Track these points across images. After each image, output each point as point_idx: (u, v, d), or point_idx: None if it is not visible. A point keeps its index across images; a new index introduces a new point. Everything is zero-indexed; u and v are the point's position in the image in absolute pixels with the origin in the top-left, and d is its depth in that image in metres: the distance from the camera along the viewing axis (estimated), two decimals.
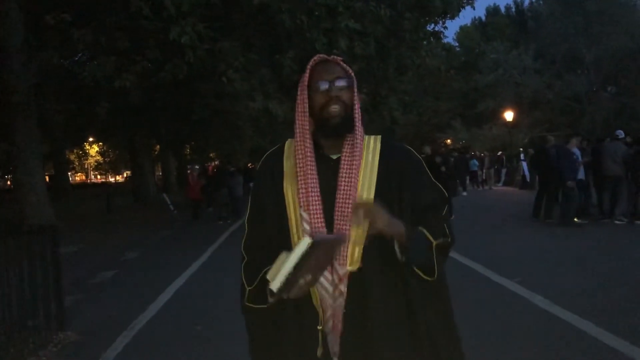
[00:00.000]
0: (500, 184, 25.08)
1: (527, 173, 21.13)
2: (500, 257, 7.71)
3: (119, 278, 7.95)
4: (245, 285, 1.73)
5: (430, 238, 1.61)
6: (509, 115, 27.65)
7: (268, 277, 1.47)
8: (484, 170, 24.89)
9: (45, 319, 4.95)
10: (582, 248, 8.32)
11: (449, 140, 39.81)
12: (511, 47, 34.61)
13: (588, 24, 31.60)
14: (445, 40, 22.89)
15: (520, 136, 30.97)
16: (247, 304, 1.73)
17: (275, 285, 1.44)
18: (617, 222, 10.36)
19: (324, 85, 1.63)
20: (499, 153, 27.35)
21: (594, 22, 31.41)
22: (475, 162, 24.92)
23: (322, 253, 1.48)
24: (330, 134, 1.67)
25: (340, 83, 1.64)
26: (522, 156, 23.40)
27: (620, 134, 11.12)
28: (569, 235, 9.51)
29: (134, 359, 4.40)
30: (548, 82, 32.07)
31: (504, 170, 25.44)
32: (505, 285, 6.08)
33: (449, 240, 1.67)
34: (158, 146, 29.45)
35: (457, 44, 45.21)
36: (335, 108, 1.62)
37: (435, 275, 1.64)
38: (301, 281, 1.44)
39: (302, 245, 1.45)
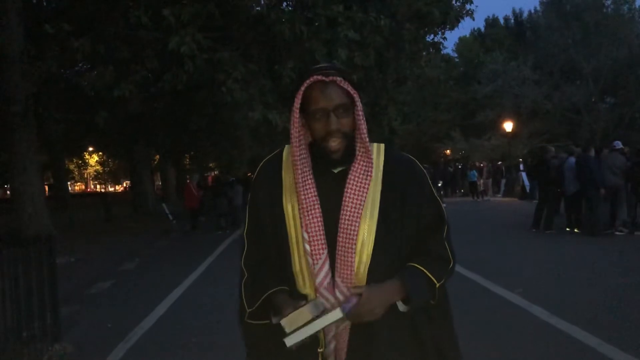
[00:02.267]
0: (499, 195, 25.07)
1: (526, 183, 21.13)
2: (500, 268, 7.67)
3: (116, 289, 7.89)
4: (246, 306, 1.65)
5: (433, 279, 1.56)
6: (508, 126, 27.68)
7: (283, 323, 1.45)
8: (483, 181, 24.90)
9: (40, 329, 4.89)
10: (582, 259, 8.29)
11: (448, 151, 39.84)
12: (510, 58, 34.74)
13: (586, 35, 31.76)
14: (444, 51, 22.95)
15: (520, 147, 30.98)
16: (247, 320, 1.67)
17: (291, 341, 1.43)
18: (617, 233, 10.33)
19: (322, 116, 1.52)
20: (499, 163, 27.37)
21: (592, 33, 31.57)
22: (475, 172, 24.94)
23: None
24: (331, 167, 1.59)
25: (342, 112, 1.53)
26: (521, 166, 23.40)
27: (618, 144, 11.11)
28: (568, 247, 9.48)
29: None
30: (547, 92, 32.13)
31: (503, 181, 25.45)
32: (505, 297, 6.04)
33: (451, 266, 1.63)
34: (157, 156, 29.45)
35: (456, 55, 45.38)
36: (335, 143, 1.53)
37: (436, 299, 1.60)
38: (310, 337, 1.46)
39: (333, 317, 1.44)
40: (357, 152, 1.59)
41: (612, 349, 4.13)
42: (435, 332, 1.64)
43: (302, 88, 1.55)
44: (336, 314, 1.42)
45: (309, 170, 1.59)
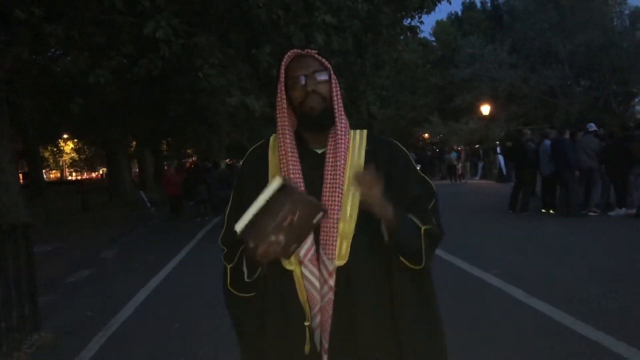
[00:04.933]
0: (477, 177, 25.35)
1: (503, 166, 21.39)
2: (476, 250, 7.80)
3: (95, 277, 7.84)
4: (226, 264, 1.69)
5: (419, 223, 1.62)
6: (485, 109, 27.91)
7: (236, 224, 1.41)
8: (461, 164, 25.16)
9: (18, 319, 4.85)
10: (558, 240, 8.46)
11: (426, 135, 40.05)
12: (487, 42, 34.90)
13: (561, 19, 31.99)
14: (421, 35, 22.96)
15: (497, 130, 31.26)
16: (229, 287, 1.70)
17: (240, 225, 1.38)
18: (591, 214, 10.55)
19: (301, 80, 1.61)
20: (476, 146, 27.64)
21: (567, 17, 31.81)
22: (455, 154, 25.21)
23: (300, 215, 1.38)
24: (312, 129, 1.66)
25: (317, 76, 1.62)
26: (498, 150, 23.67)
27: (592, 127, 11.31)
28: (544, 228, 9.66)
29: (111, 358, 4.35)
30: (523, 76, 32.40)
31: (480, 164, 25.73)
32: (482, 277, 6.16)
33: (438, 229, 1.68)
34: (134, 143, 29.10)
35: (433, 39, 45.38)
36: (313, 102, 1.61)
37: (423, 264, 1.63)
38: (272, 237, 1.36)
39: (273, 185, 1.40)
40: (336, 120, 1.65)
41: (585, 327, 4.25)
42: (415, 313, 1.67)
43: (284, 62, 1.65)
44: (276, 181, 1.40)
45: (293, 150, 1.64)
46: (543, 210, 11.43)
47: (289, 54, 1.66)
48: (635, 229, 8.89)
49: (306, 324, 1.59)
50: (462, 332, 4.18)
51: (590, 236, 8.58)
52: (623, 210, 10.29)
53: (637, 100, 34.41)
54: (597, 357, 3.69)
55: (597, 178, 10.65)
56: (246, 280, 1.62)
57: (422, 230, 1.62)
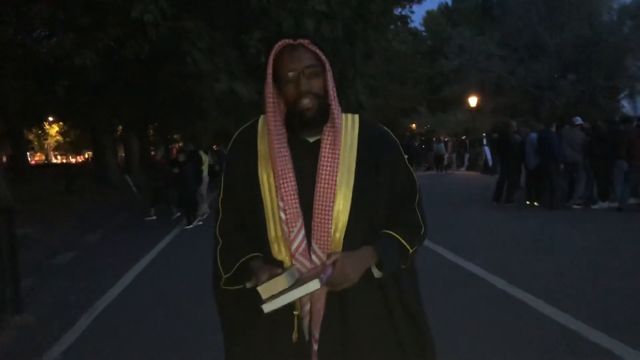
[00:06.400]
0: (463, 168, 25.50)
1: (489, 158, 21.52)
2: (460, 240, 7.86)
3: (79, 261, 7.80)
4: (222, 272, 1.67)
5: (407, 245, 1.63)
6: (473, 101, 28.02)
7: (260, 290, 1.46)
8: (447, 155, 25.31)
9: (1, 301, 4.83)
10: (541, 232, 8.54)
11: (414, 125, 40.16)
12: (477, 33, 34.96)
13: (550, 12, 32.08)
14: (411, 25, 22.97)
15: (484, 121, 31.42)
16: (223, 287, 1.70)
17: (268, 308, 1.43)
18: (574, 206, 10.66)
19: (293, 77, 1.54)
20: (463, 138, 27.77)
21: (556, 10, 31.91)
22: (443, 145, 25.33)
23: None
24: (305, 127, 1.59)
25: (311, 73, 1.55)
26: (484, 141, 23.80)
27: (578, 120, 11.39)
28: (528, 220, 9.75)
29: (93, 342, 4.33)
30: (511, 68, 32.53)
31: (467, 155, 25.87)
32: (465, 267, 6.21)
33: (423, 232, 1.70)
34: (120, 127, 28.83)
35: (423, 29, 45.40)
36: (306, 103, 1.54)
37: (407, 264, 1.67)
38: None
39: (311, 287, 1.43)
40: (330, 115, 1.61)
41: (565, 317, 4.31)
42: (404, 294, 1.69)
43: (273, 53, 1.57)
44: (314, 285, 1.42)
45: (284, 139, 1.61)
46: (527, 202, 11.52)
47: (278, 44, 1.57)
48: (617, 222, 9.01)
49: (295, 313, 1.59)
50: (445, 319, 4.23)
51: (572, 229, 8.68)
52: (606, 204, 10.41)
53: (622, 95, 34.70)
54: (575, 346, 3.74)
55: (581, 171, 10.75)
56: (247, 287, 1.62)
57: (410, 252, 1.64)
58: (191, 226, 10.31)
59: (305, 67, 1.54)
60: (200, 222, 10.65)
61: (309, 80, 1.55)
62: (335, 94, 1.62)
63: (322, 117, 1.59)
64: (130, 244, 8.87)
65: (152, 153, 24.42)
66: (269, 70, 1.58)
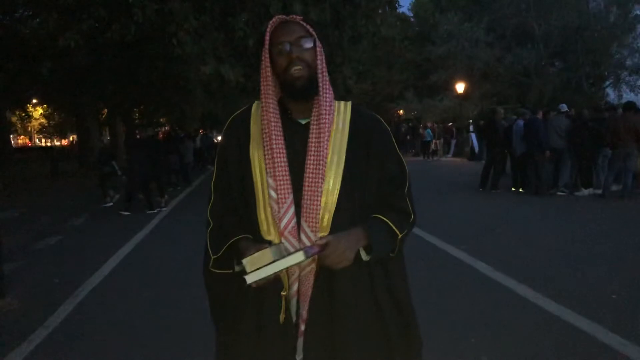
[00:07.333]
0: (449, 155, 25.60)
1: (475, 145, 21.62)
2: (447, 226, 7.92)
3: (64, 244, 7.74)
4: (211, 253, 1.70)
5: (396, 230, 1.64)
6: (460, 87, 28.05)
7: (245, 262, 1.47)
8: (434, 141, 25.37)
9: None
10: (525, 218, 8.63)
11: (401, 111, 40.13)
12: (464, 20, 34.88)
13: None
14: (400, 10, 22.87)
15: (471, 108, 31.49)
16: (211, 269, 1.71)
17: (251, 278, 1.44)
18: (559, 193, 10.77)
19: (285, 47, 1.58)
20: (449, 124, 27.85)
21: None
22: (429, 131, 25.38)
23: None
24: (296, 97, 1.63)
25: (302, 43, 1.59)
26: (471, 128, 23.88)
27: (563, 107, 11.46)
28: (513, 206, 9.84)
29: (79, 326, 4.31)
30: (499, 55, 32.57)
31: (453, 142, 25.95)
32: (451, 253, 6.26)
33: (412, 219, 1.72)
34: (105, 110, 28.52)
35: (411, 15, 45.17)
36: (297, 69, 1.58)
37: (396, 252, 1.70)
38: (271, 277, 1.46)
39: (295, 259, 1.44)
40: (320, 89, 1.63)
41: (547, 302, 4.38)
42: (391, 280, 1.73)
43: (269, 29, 1.62)
44: (298, 257, 1.44)
45: (276, 119, 1.63)
46: (513, 189, 11.62)
47: (273, 20, 1.63)
48: (601, 209, 9.12)
49: (283, 293, 1.60)
50: (430, 303, 4.27)
51: (556, 215, 8.77)
52: (590, 191, 10.53)
53: (607, 83, 34.92)
54: (557, 330, 3.80)
55: (566, 158, 10.84)
56: (236, 270, 1.64)
57: (399, 237, 1.66)
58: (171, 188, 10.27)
59: (297, 37, 1.59)
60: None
61: (300, 49, 1.59)
62: (325, 69, 1.65)
63: (312, 86, 1.61)
64: (115, 228, 8.81)
65: (138, 136, 24.18)
66: (266, 44, 1.62)
